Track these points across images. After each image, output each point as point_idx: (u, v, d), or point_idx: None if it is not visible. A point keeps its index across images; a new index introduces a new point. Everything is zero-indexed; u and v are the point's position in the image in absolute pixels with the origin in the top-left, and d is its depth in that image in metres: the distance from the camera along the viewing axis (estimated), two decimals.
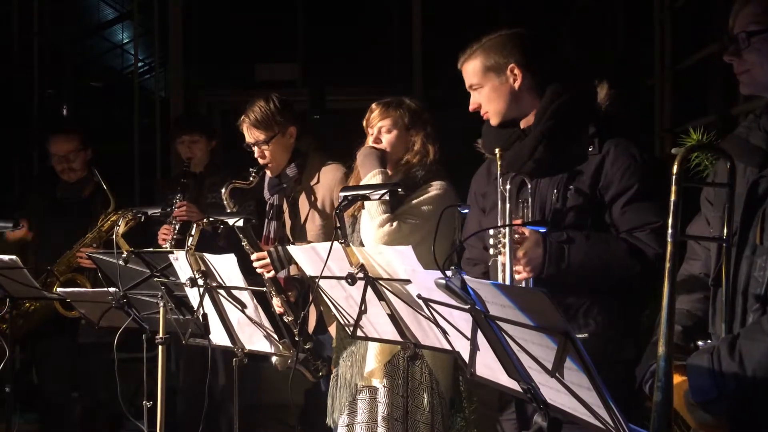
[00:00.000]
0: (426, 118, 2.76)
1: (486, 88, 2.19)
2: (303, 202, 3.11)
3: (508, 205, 2.09)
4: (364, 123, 2.79)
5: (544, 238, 2.01)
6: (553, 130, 2.11)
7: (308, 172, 3.11)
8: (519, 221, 2.08)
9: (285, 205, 3.17)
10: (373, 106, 2.77)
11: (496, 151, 2.15)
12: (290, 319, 2.93)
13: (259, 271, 2.97)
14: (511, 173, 2.15)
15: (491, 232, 2.10)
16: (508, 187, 2.10)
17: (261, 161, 3.08)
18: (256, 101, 3.08)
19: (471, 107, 2.25)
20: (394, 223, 2.55)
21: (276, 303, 2.98)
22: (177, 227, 3.43)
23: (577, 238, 2.02)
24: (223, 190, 3.04)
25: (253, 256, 2.96)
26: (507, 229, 2.04)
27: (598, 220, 2.09)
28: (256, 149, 3.07)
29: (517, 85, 2.17)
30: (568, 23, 5.62)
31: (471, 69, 2.21)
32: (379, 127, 2.73)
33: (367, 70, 6.28)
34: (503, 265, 2.04)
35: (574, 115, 2.13)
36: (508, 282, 2.02)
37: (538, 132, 2.12)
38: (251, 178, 3.06)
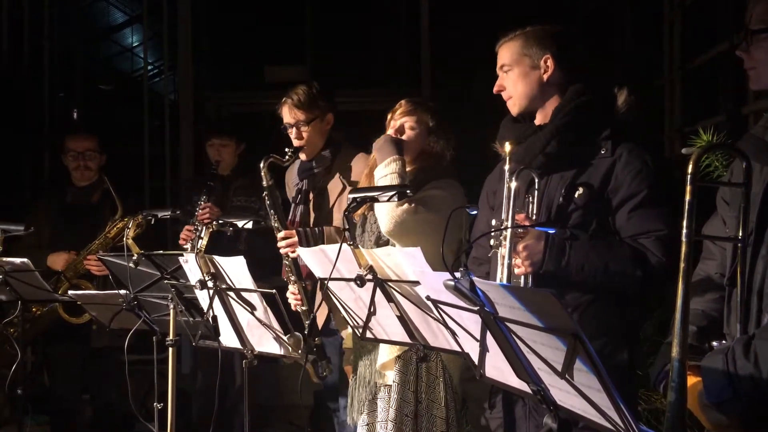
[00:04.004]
0: (447, 127, 2.78)
1: (516, 70, 2.21)
2: (332, 188, 3.14)
3: (512, 199, 2.08)
4: (389, 115, 2.80)
5: (547, 234, 2.01)
6: (568, 126, 2.11)
7: (339, 160, 3.16)
8: (522, 215, 2.07)
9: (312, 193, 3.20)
10: (403, 102, 2.79)
11: (507, 144, 2.14)
12: (304, 309, 2.94)
13: (283, 251, 2.98)
14: (520, 168, 2.14)
15: (494, 224, 2.10)
16: (514, 181, 2.09)
17: (297, 143, 3.12)
18: (297, 86, 3.14)
19: (495, 89, 2.26)
20: (413, 203, 2.55)
21: (292, 290, 2.99)
22: (200, 229, 3.45)
23: (580, 237, 2.02)
24: (261, 164, 3.01)
25: (280, 234, 2.98)
26: (510, 222, 2.04)
27: (604, 223, 2.07)
28: (294, 130, 3.11)
29: (546, 76, 2.19)
30: (576, 23, 5.60)
31: (507, 50, 2.23)
32: (403, 122, 2.75)
33: (375, 72, 6.28)
34: (503, 257, 2.04)
35: (591, 116, 2.13)
36: (505, 275, 2.02)
37: (553, 127, 2.13)
38: (287, 157, 3.07)
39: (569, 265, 1.99)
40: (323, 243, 2.96)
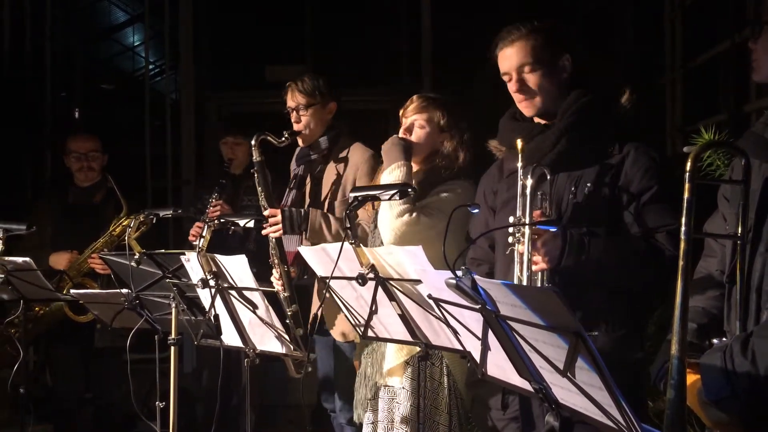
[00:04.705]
0: (463, 126, 2.70)
1: (541, 70, 2.15)
2: (328, 176, 3.14)
3: (528, 196, 2.05)
4: (401, 112, 2.77)
5: (564, 230, 2.01)
6: (575, 125, 2.12)
7: (338, 149, 3.16)
8: (538, 212, 2.07)
9: (308, 179, 3.20)
10: (414, 97, 2.75)
11: (518, 141, 2.10)
12: (286, 295, 2.94)
13: (266, 230, 2.97)
14: (531, 166, 2.11)
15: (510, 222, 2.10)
16: (529, 178, 2.05)
17: (296, 127, 3.14)
18: (305, 74, 3.19)
19: (514, 88, 2.18)
20: (414, 214, 2.52)
21: (275, 274, 2.99)
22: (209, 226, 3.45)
23: (597, 233, 2.03)
24: (253, 140, 3.02)
25: (265, 213, 2.98)
26: (528, 220, 2.03)
27: (614, 220, 2.09)
28: (294, 114, 3.13)
29: (565, 75, 2.17)
30: (576, 23, 5.60)
31: (527, 48, 2.14)
32: (413, 120, 2.70)
33: (375, 71, 6.28)
34: (521, 255, 2.03)
35: (595, 115, 2.14)
36: (525, 272, 2.02)
37: (562, 125, 2.13)
38: (283, 138, 3.07)
39: (588, 260, 1.99)
40: (306, 225, 2.95)
